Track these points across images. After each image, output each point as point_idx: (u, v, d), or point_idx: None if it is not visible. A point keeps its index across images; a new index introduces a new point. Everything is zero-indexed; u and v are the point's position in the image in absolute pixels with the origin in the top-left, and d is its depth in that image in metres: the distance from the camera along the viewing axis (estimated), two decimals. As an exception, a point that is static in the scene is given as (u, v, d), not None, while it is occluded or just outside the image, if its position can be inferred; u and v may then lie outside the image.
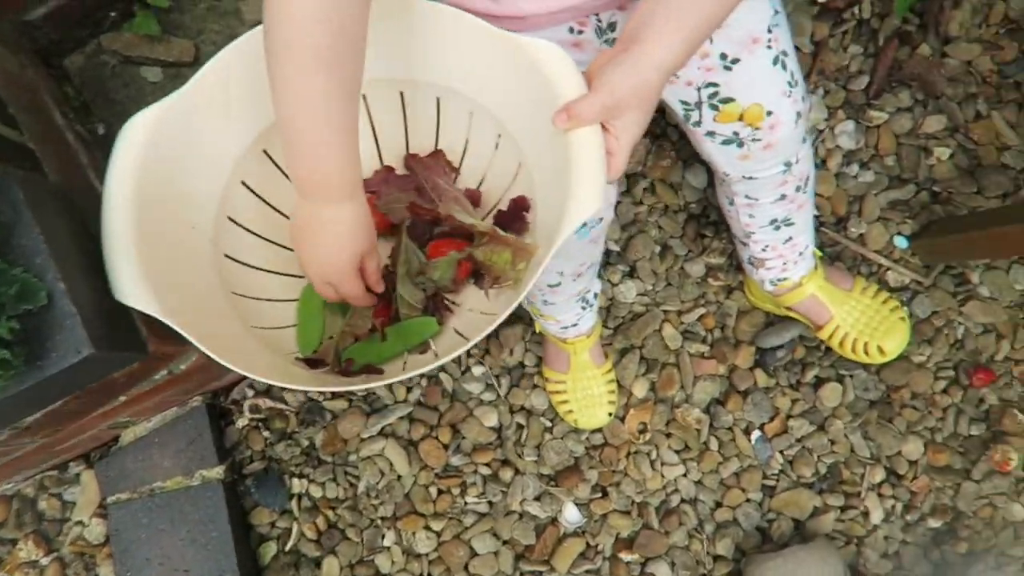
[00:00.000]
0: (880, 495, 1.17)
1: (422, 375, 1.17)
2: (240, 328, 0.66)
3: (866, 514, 1.17)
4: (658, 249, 1.18)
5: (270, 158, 0.70)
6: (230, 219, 0.68)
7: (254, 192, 0.70)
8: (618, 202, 1.18)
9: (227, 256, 0.68)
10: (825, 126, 1.18)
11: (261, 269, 0.71)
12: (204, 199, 0.60)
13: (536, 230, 0.72)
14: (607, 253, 1.18)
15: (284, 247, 0.73)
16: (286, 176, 0.70)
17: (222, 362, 0.56)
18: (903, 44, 1.17)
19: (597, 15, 0.73)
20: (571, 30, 0.73)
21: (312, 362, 0.72)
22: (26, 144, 0.74)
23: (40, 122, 0.82)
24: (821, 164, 1.18)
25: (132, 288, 0.55)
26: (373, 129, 0.74)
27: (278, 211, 0.72)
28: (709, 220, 1.19)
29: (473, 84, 0.67)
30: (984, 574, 1.16)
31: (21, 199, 0.57)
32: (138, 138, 0.58)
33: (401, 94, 0.71)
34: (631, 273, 1.18)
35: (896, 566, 1.17)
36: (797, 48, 1.17)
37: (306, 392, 1.16)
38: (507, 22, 0.71)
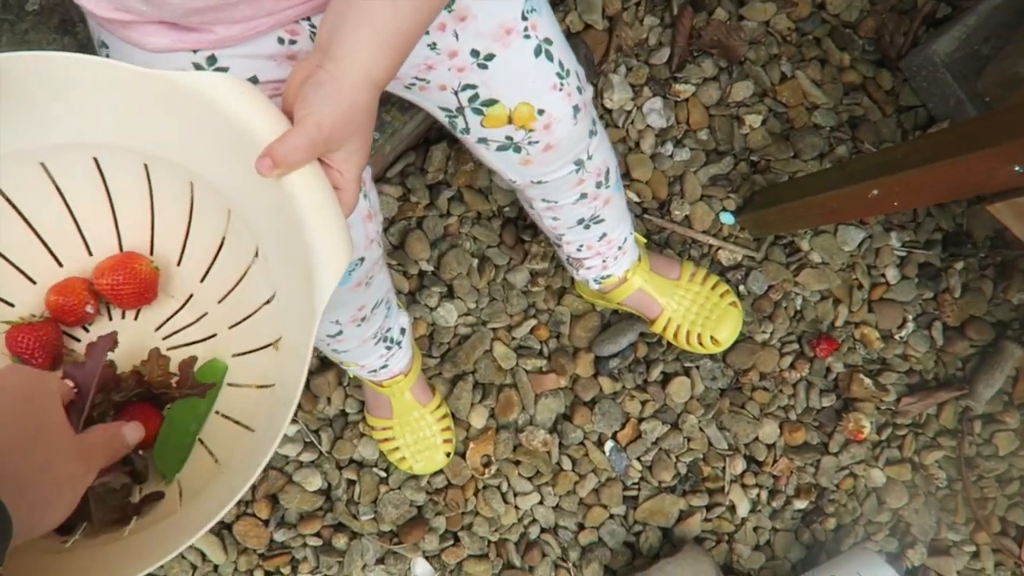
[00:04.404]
0: (744, 486, 1.11)
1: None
2: None
3: (732, 508, 1.11)
4: (475, 262, 1.07)
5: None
6: None
7: None
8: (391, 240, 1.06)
9: None
10: (632, 106, 1.10)
11: None
12: None
13: (276, 281, 0.59)
14: (420, 275, 1.06)
15: None
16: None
17: None
18: (698, 10, 1.10)
19: (309, 19, 0.60)
20: (281, 40, 0.60)
21: (64, 528, 0.55)
22: None
23: None
24: (635, 147, 1.10)
25: None
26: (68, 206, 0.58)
27: None
28: (527, 223, 1.08)
29: (140, 136, 0.53)
30: (856, 546, 1.12)
31: None
32: None
33: (96, 161, 0.56)
34: (449, 294, 1.06)
35: (769, 556, 1.12)
36: (590, 26, 1.08)
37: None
38: (198, 41, 0.57)
